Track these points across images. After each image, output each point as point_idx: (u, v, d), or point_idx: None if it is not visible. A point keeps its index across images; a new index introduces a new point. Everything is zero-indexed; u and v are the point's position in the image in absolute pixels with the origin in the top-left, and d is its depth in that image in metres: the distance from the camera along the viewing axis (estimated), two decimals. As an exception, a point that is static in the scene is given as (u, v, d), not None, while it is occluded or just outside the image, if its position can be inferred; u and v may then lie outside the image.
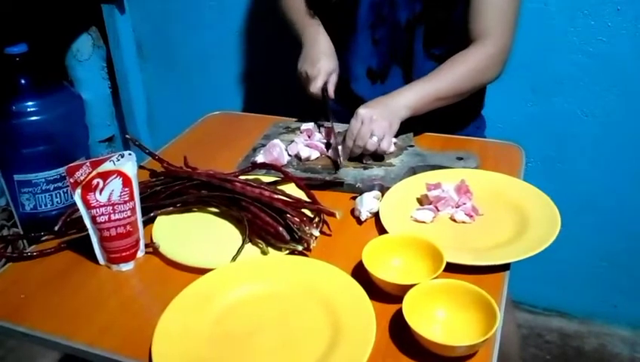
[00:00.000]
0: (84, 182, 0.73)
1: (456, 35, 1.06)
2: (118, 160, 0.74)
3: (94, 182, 0.73)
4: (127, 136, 0.99)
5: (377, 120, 0.95)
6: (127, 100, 1.87)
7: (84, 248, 0.80)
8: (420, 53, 1.09)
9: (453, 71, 1.01)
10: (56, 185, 1.61)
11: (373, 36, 1.10)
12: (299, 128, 1.09)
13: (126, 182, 0.74)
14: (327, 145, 1.02)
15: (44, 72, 1.61)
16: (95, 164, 0.73)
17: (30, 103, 1.55)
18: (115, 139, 1.98)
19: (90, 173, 0.72)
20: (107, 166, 0.73)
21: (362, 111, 0.96)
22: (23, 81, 1.55)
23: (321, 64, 1.07)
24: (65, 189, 1.63)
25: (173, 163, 0.98)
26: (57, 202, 1.65)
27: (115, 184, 0.74)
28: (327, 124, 1.08)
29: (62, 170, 1.62)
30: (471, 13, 1.02)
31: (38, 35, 1.67)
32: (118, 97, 1.89)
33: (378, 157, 0.98)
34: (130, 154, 0.75)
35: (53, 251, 0.82)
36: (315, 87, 1.06)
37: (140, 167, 1.02)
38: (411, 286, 0.65)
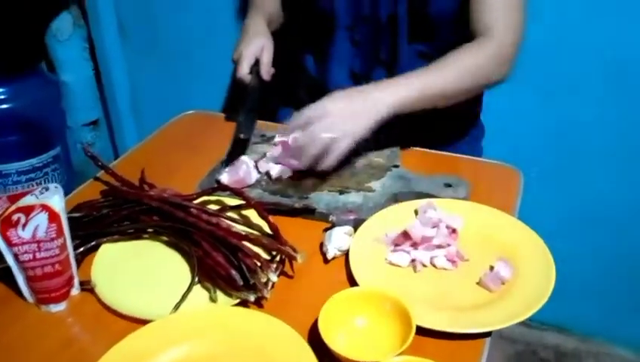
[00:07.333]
0: (2, 217, 0.63)
1: (443, 29, 0.93)
2: (42, 193, 0.64)
3: (15, 216, 0.63)
4: (80, 144, 0.89)
5: (345, 117, 0.81)
6: (108, 83, 1.76)
7: (14, 281, 0.71)
8: (404, 51, 0.96)
9: (451, 65, 0.86)
10: (28, 177, 1.52)
11: (352, 37, 0.98)
12: (274, 138, 0.97)
13: (52, 217, 0.64)
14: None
15: (16, 54, 1.50)
16: (14, 198, 0.64)
17: (1, 90, 1.45)
18: (100, 122, 1.88)
19: (8, 207, 0.63)
20: (29, 200, 0.63)
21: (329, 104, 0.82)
22: (-8, 66, 1.45)
23: (241, 46, 0.96)
24: (39, 180, 1.53)
25: (132, 175, 0.88)
26: (30, 194, 1.55)
27: (40, 219, 0.64)
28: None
29: (35, 160, 1.53)
30: (472, 7, 0.90)
31: (16, 13, 1.56)
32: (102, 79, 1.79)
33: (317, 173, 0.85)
34: (56, 187, 0.65)
35: (-18, 281, 0.73)
36: (240, 72, 0.95)
37: (96, 179, 0.93)
38: (370, 363, 0.55)
